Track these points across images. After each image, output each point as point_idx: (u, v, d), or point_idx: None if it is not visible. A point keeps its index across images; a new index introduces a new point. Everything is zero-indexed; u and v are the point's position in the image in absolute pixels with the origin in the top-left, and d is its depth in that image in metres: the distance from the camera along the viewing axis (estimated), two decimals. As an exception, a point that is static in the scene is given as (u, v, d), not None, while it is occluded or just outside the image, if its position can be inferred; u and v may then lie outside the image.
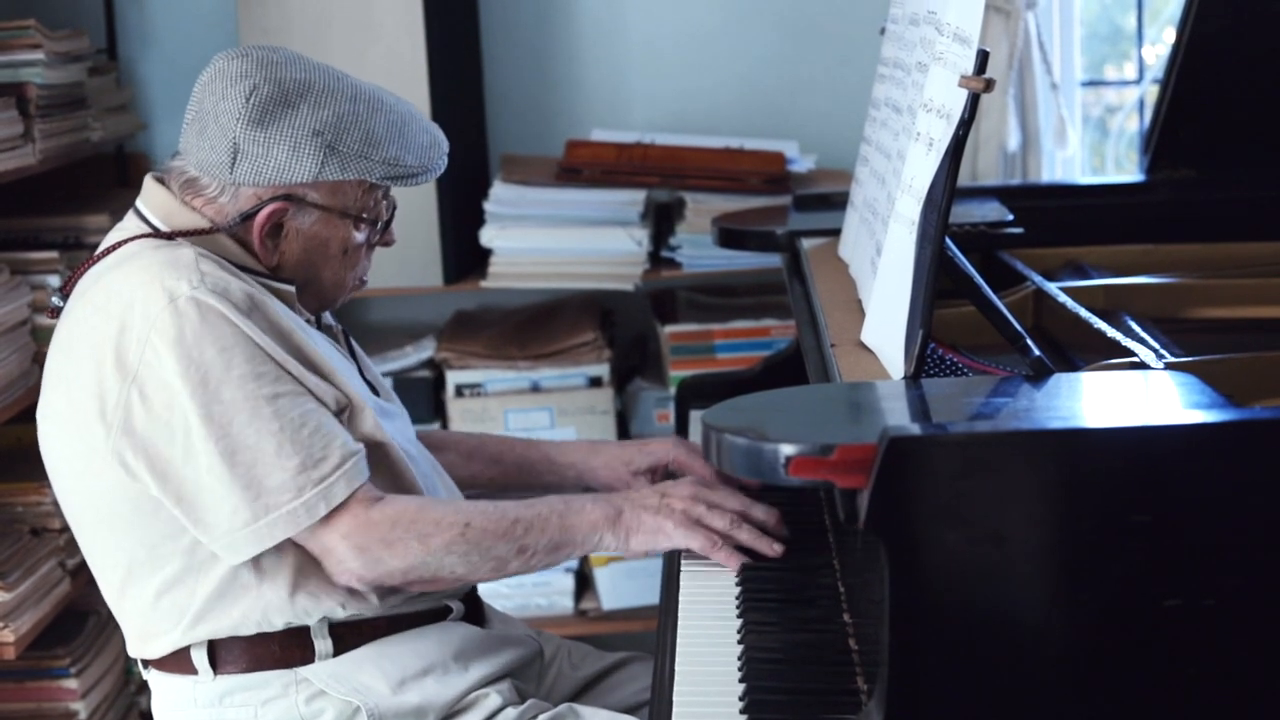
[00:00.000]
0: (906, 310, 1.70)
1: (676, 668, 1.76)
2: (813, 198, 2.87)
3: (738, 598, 1.91)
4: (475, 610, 2.11)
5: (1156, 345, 1.89)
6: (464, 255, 3.33)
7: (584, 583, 3.43)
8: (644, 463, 2.24)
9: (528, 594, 3.36)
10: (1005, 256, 2.37)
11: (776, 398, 1.71)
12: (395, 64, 3.20)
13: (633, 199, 3.29)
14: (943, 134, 1.67)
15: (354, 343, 2.14)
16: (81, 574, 2.88)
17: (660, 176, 3.31)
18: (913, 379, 1.68)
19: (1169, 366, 1.70)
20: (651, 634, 2.51)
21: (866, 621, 1.71)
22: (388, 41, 3.20)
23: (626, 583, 3.35)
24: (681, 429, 2.67)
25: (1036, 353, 1.71)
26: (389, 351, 3.40)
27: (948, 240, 1.69)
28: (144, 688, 3.21)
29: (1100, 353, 1.84)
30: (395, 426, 2.04)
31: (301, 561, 1.92)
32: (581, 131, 3.56)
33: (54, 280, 2.91)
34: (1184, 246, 2.48)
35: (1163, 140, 2.67)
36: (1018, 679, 1.38)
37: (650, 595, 3.29)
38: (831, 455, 1.40)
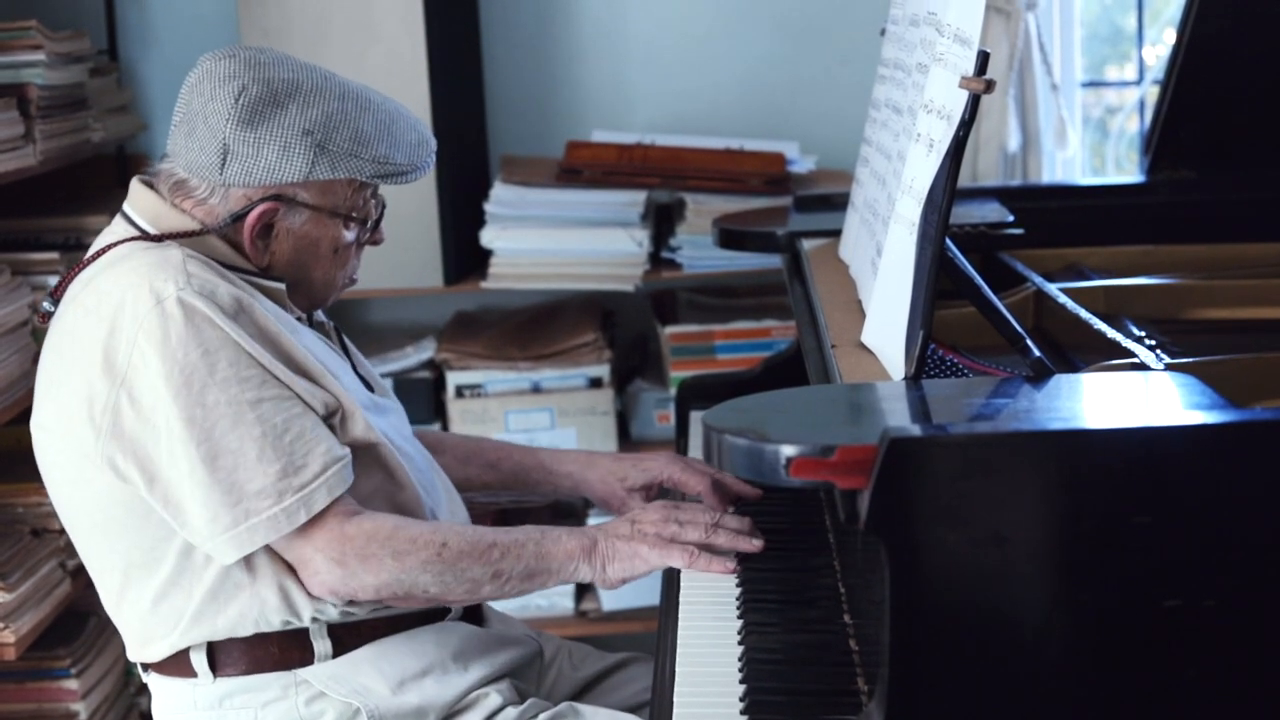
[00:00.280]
0: (907, 311, 1.70)
1: (677, 668, 1.76)
2: (813, 199, 2.87)
3: (738, 598, 1.91)
4: (474, 610, 2.11)
5: (1157, 346, 1.89)
6: (464, 256, 3.33)
7: (584, 583, 3.42)
8: (639, 480, 2.23)
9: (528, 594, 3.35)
10: (1005, 257, 2.37)
11: (777, 399, 1.71)
12: (395, 64, 3.20)
13: (633, 200, 3.29)
14: (943, 135, 1.67)
15: (346, 338, 2.14)
16: (82, 575, 2.87)
17: (661, 177, 3.31)
18: (913, 380, 1.68)
19: (1169, 367, 1.70)
20: (652, 634, 2.52)
21: (867, 622, 1.71)
22: (388, 41, 3.20)
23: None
24: (682, 430, 2.67)
25: (1037, 354, 1.71)
26: (389, 352, 3.40)
27: (948, 241, 1.69)
28: (144, 689, 3.20)
29: (1101, 354, 1.84)
30: (389, 422, 2.04)
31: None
32: (582, 132, 3.56)
33: (55, 281, 2.90)
34: (1184, 247, 2.48)
35: (1163, 141, 2.67)
36: (1018, 680, 1.38)
37: (651, 596, 3.28)
38: (832, 456, 1.40)
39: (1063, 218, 2.66)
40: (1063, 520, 1.37)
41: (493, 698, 2.00)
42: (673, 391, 3.09)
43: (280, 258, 1.98)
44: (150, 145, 3.58)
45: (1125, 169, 3.85)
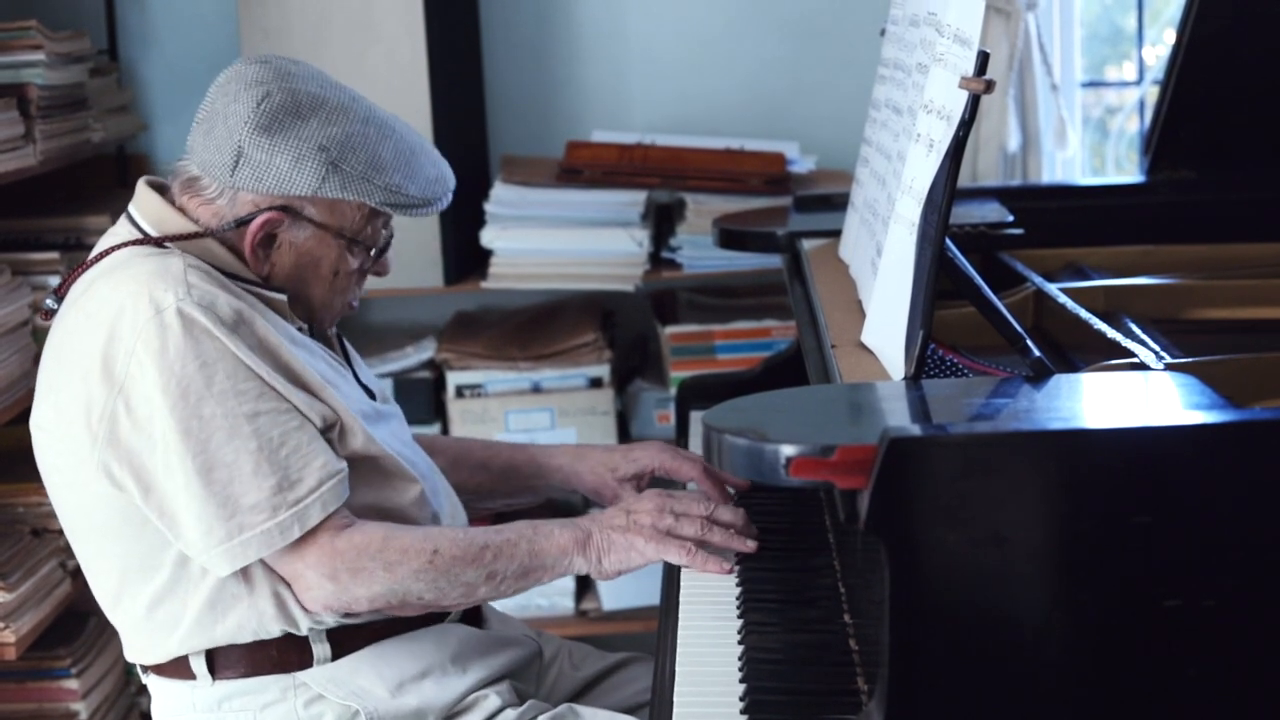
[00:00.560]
0: (907, 311, 1.70)
1: (677, 668, 1.76)
2: (813, 199, 2.87)
3: (738, 598, 1.91)
4: (473, 611, 2.11)
5: (1156, 346, 1.89)
6: (464, 256, 3.34)
7: (585, 583, 3.43)
8: (629, 470, 2.23)
9: (528, 594, 3.35)
10: (1005, 257, 2.37)
11: (777, 398, 1.71)
12: (395, 64, 3.20)
13: (633, 200, 3.29)
14: (943, 135, 1.67)
15: (349, 346, 2.14)
16: (82, 575, 2.86)
17: (661, 177, 3.31)
18: (913, 380, 1.68)
19: (1169, 367, 1.70)
20: (652, 634, 2.51)
21: (867, 622, 1.71)
22: (388, 41, 3.20)
23: (627, 583, 3.32)
24: (682, 430, 2.67)
25: (1036, 353, 1.71)
26: (389, 352, 3.40)
27: (948, 241, 1.69)
28: (145, 689, 3.20)
29: (1100, 353, 1.84)
30: (390, 429, 2.03)
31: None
32: (582, 132, 3.56)
33: (55, 281, 2.91)
34: (1184, 247, 2.48)
35: (1163, 141, 2.67)
36: (1018, 680, 1.38)
37: (651, 596, 3.28)
38: (832, 456, 1.40)
39: (1063, 218, 2.66)
40: (1063, 520, 1.37)
41: (492, 699, 2.00)
42: (673, 391, 3.09)
43: (280, 270, 1.97)
44: (150, 145, 3.58)
45: (1125, 169, 3.85)
